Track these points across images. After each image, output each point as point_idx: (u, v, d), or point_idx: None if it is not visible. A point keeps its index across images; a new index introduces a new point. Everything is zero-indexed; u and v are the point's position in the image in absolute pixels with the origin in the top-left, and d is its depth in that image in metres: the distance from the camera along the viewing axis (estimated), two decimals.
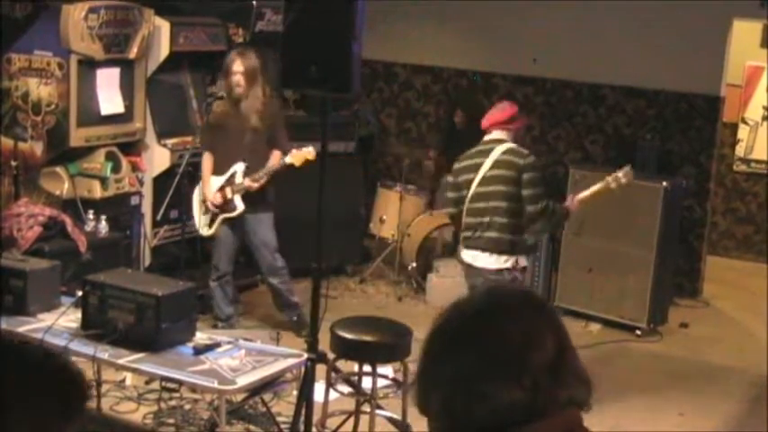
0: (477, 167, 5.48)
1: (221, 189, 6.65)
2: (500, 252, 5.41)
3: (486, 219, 5.41)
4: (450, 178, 5.57)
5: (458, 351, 1.56)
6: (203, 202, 6.74)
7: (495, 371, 1.53)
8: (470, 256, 5.50)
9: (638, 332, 7.45)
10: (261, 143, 6.62)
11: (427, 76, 9.43)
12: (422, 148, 9.13)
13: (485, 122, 5.61)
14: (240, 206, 6.63)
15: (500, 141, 5.52)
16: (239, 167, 6.60)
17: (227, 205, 6.65)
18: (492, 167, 5.43)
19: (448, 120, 8.89)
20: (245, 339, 4.89)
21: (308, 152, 6.44)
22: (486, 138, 5.57)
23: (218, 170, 6.68)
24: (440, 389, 1.55)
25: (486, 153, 5.48)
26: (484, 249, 5.44)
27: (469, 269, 5.53)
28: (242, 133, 6.56)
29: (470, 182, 5.49)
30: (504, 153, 5.45)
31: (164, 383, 4.50)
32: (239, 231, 6.73)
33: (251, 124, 6.55)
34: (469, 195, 5.48)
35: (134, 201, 7.08)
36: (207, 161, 6.72)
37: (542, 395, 1.53)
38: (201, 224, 6.81)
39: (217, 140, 6.66)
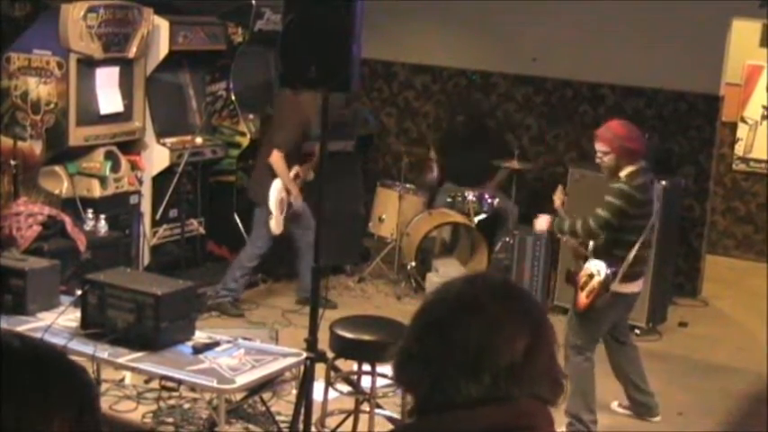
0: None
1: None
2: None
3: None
4: (627, 209, 5.28)
5: (429, 336, 1.62)
6: (281, 201, 6.96)
7: (456, 364, 1.57)
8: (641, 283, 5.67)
9: (638, 331, 7.43)
10: None
11: (427, 76, 9.43)
12: (422, 147, 9.13)
13: (639, 149, 5.36)
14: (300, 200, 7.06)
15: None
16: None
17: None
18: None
19: (449, 120, 8.82)
20: (245, 338, 4.89)
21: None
22: (639, 166, 5.33)
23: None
24: (412, 366, 1.63)
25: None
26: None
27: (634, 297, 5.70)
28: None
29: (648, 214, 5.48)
30: None
31: (163, 382, 4.48)
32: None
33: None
34: (649, 226, 5.47)
35: (133, 200, 7.08)
36: (282, 160, 6.95)
37: (501, 392, 1.55)
38: (279, 224, 6.98)
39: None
